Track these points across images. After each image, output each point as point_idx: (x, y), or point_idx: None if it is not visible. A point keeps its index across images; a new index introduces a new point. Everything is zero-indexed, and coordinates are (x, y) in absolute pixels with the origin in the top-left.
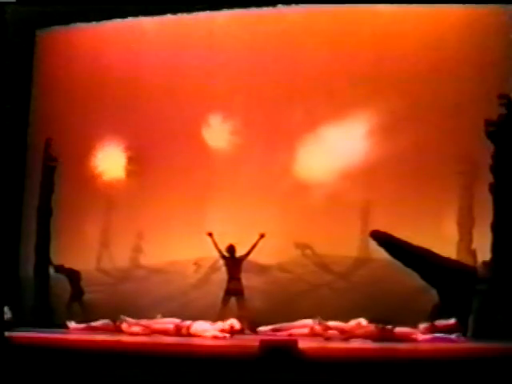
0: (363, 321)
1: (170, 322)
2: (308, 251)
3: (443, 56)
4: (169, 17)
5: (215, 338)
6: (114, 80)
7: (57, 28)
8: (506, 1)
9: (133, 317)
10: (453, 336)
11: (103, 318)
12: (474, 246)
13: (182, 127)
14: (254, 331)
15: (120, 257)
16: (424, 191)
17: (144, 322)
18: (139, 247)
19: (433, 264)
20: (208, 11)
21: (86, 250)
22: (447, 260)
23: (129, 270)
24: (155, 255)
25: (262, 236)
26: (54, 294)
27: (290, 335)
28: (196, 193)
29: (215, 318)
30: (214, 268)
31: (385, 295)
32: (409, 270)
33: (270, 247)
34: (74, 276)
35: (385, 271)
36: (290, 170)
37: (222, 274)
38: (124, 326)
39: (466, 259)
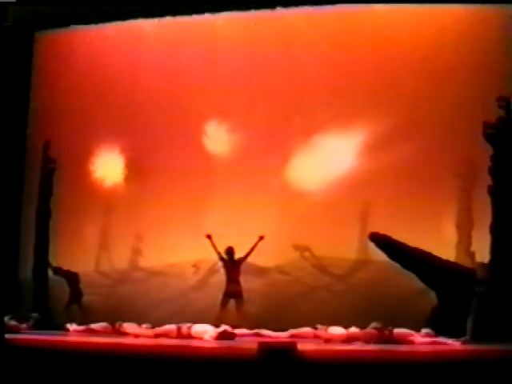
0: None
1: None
2: (307, 253)
3: (442, 58)
4: (168, 19)
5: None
6: (113, 82)
7: (56, 30)
8: (507, 1)
9: (131, 319)
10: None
11: (102, 320)
12: (473, 248)
13: (181, 130)
14: (253, 334)
15: (119, 259)
16: (423, 193)
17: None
18: (138, 249)
19: (432, 266)
20: (207, 13)
21: (84, 252)
22: (446, 262)
23: (127, 272)
24: (154, 257)
25: (260, 238)
26: (52, 296)
27: (291, 337)
28: (195, 195)
29: (214, 321)
30: (212, 270)
31: (384, 297)
32: (408, 272)
33: (269, 249)
34: (72, 278)
35: (384, 273)
36: (289, 172)
37: (221, 277)
38: (125, 328)
39: (465, 261)
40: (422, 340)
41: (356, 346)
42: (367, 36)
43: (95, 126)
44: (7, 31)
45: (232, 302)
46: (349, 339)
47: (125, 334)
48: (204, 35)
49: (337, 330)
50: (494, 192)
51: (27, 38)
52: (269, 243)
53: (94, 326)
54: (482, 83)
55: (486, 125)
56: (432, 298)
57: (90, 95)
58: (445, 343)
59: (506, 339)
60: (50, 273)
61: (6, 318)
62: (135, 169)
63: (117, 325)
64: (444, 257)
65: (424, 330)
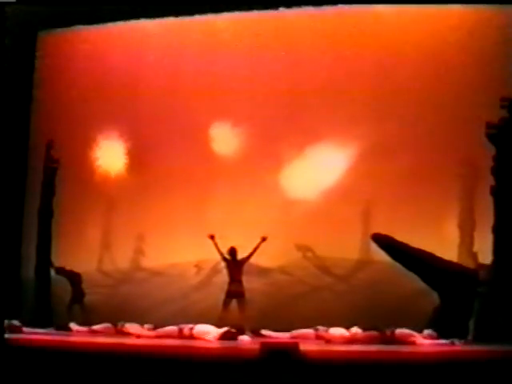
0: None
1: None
2: (309, 254)
3: (444, 58)
4: (170, 19)
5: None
6: (116, 82)
7: (58, 30)
8: (509, 1)
9: (133, 319)
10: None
11: (104, 320)
12: (475, 248)
13: (184, 131)
14: (255, 334)
15: (121, 259)
16: (425, 194)
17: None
18: (140, 249)
19: (434, 267)
20: (209, 14)
21: (87, 252)
22: (448, 263)
23: (130, 272)
24: (156, 257)
25: (263, 239)
26: (54, 296)
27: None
28: (197, 195)
29: (216, 321)
30: (215, 270)
31: (386, 298)
32: (410, 273)
33: (271, 249)
34: (74, 278)
35: (386, 274)
36: (291, 173)
37: (223, 277)
38: (127, 328)
39: (467, 262)
40: (423, 341)
41: (358, 347)
42: (369, 36)
43: (98, 125)
44: (10, 31)
45: (234, 302)
46: (350, 341)
47: (127, 335)
48: (206, 35)
49: (338, 331)
50: (496, 192)
51: (30, 38)
52: (271, 243)
53: (96, 326)
54: (485, 84)
55: (489, 125)
56: (434, 298)
57: (93, 95)
58: (446, 345)
59: (508, 340)
60: (53, 273)
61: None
62: (138, 169)
63: (119, 325)
64: (446, 257)
65: (426, 331)
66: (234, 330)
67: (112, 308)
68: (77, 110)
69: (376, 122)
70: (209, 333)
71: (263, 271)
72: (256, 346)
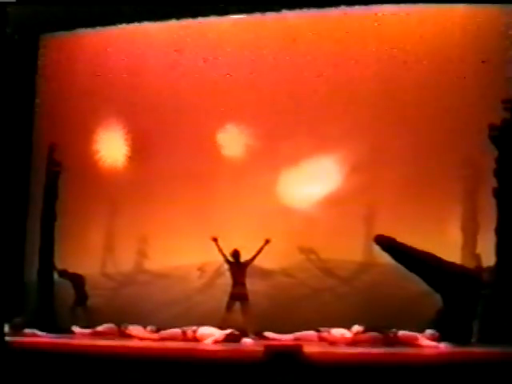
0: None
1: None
2: (312, 256)
3: (446, 59)
4: (173, 22)
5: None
6: (119, 85)
7: (61, 33)
8: (511, 1)
9: (136, 321)
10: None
11: (107, 322)
12: (478, 250)
13: (187, 133)
14: (258, 336)
15: (124, 261)
16: (428, 196)
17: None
18: (143, 252)
19: (437, 269)
20: (212, 17)
21: (90, 255)
22: (451, 265)
23: (133, 274)
24: (159, 260)
25: (267, 241)
26: (58, 299)
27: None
28: (200, 198)
29: (219, 323)
30: (218, 273)
31: (388, 300)
32: (412, 275)
33: (274, 252)
34: (78, 281)
35: (388, 276)
36: (294, 175)
37: (226, 279)
38: (130, 331)
39: (470, 264)
40: (426, 342)
41: (361, 349)
42: (371, 38)
43: (100, 128)
44: (13, 34)
45: (237, 304)
46: (353, 342)
47: (130, 337)
48: (208, 38)
49: (339, 331)
50: (498, 194)
51: (32, 41)
52: (274, 246)
53: (100, 328)
54: (488, 86)
55: (491, 127)
56: (437, 300)
57: (96, 98)
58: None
59: (511, 342)
60: (56, 275)
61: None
62: (141, 171)
63: (122, 327)
64: (449, 259)
65: (428, 331)
66: (237, 332)
67: (115, 310)
68: (80, 113)
69: (378, 124)
70: (212, 335)
71: (266, 273)
72: (260, 349)
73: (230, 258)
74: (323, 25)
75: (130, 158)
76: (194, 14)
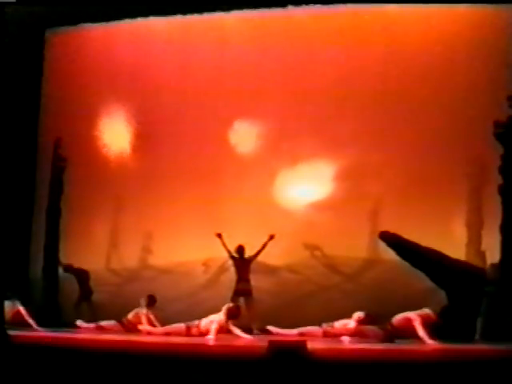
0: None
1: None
2: (317, 252)
3: (452, 57)
4: (178, 17)
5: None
6: (124, 80)
7: (66, 28)
8: None
9: None
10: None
11: (112, 317)
12: (483, 247)
13: (192, 130)
14: (262, 332)
15: (129, 257)
16: (433, 193)
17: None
18: (148, 248)
19: (442, 265)
20: (218, 12)
21: (94, 250)
22: (456, 261)
23: (137, 270)
24: (164, 256)
25: (271, 237)
26: (62, 294)
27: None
28: (205, 194)
29: None
30: (222, 269)
31: (393, 296)
32: (417, 272)
33: (279, 248)
34: (82, 276)
35: (394, 272)
36: (299, 171)
37: (231, 275)
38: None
39: (475, 261)
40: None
41: (365, 345)
42: (377, 36)
43: (106, 124)
44: (18, 30)
45: (242, 300)
46: (355, 333)
47: (136, 332)
48: (214, 33)
49: (342, 322)
50: (504, 191)
51: (38, 36)
52: (279, 242)
53: (103, 323)
54: (493, 83)
55: (497, 124)
56: (442, 297)
57: (101, 93)
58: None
59: None
60: (60, 270)
61: None
62: (146, 167)
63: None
64: (454, 256)
65: (424, 310)
66: (238, 306)
67: (120, 306)
68: (85, 108)
69: (384, 122)
70: (213, 321)
71: (271, 270)
72: (264, 344)
73: (235, 254)
74: (329, 22)
75: (135, 153)
76: (200, 10)
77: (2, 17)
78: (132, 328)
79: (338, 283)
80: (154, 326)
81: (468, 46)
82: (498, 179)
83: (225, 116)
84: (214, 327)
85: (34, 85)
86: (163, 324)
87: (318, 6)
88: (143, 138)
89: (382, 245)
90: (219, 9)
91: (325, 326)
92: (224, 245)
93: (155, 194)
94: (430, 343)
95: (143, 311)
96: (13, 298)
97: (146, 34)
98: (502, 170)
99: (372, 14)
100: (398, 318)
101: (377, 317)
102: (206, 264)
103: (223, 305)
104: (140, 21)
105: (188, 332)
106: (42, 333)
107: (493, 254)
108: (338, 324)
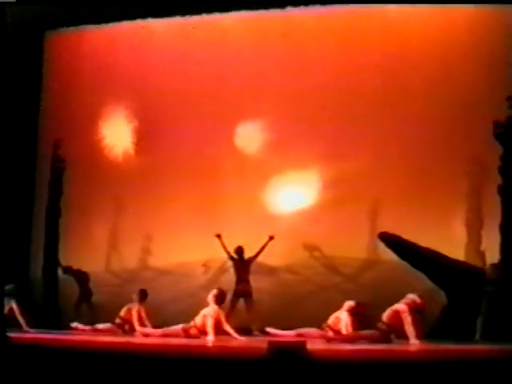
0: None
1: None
2: (316, 253)
3: (452, 58)
4: (177, 18)
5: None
6: (123, 82)
7: (66, 29)
8: None
9: None
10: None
11: (111, 319)
12: (483, 247)
13: (192, 130)
14: (262, 333)
15: (128, 258)
16: (432, 193)
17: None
18: (148, 249)
19: (441, 265)
20: (216, 13)
21: (94, 252)
22: (456, 262)
23: (137, 271)
24: (163, 257)
25: (271, 238)
26: (62, 295)
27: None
28: (205, 195)
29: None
30: (222, 269)
31: (393, 297)
32: (417, 272)
33: (279, 249)
34: (82, 277)
35: (393, 273)
36: (298, 171)
37: (231, 276)
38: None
39: (475, 261)
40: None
41: (364, 346)
42: (376, 36)
43: (105, 125)
44: (17, 31)
45: (241, 301)
46: (352, 339)
47: (130, 329)
48: (212, 34)
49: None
50: (503, 191)
51: (37, 38)
52: (278, 243)
53: (100, 325)
54: (492, 83)
55: (496, 124)
56: (441, 297)
57: (100, 94)
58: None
59: None
60: (60, 272)
61: None
62: (145, 168)
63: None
64: (453, 256)
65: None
66: (221, 289)
67: (119, 307)
68: (84, 109)
69: (384, 122)
70: (206, 315)
71: (271, 270)
72: (263, 345)
73: (234, 255)
74: (328, 23)
75: (134, 154)
76: (199, 11)
77: (2, 17)
78: (124, 324)
79: (338, 283)
80: (144, 323)
81: (467, 46)
82: (497, 179)
83: (223, 117)
84: (209, 324)
85: (34, 86)
86: (163, 325)
87: (317, 6)
88: (142, 139)
89: (382, 245)
90: (218, 10)
91: (324, 326)
92: (223, 246)
93: (155, 195)
94: (415, 343)
95: (135, 307)
96: (9, 294)
97: (145, 35)
98: (502, 170)
99: (371, 14)
100: (387, 315)
101: (367, 304)
102: (205, 265)
103: (223, 306)
104: (139, 22)
105: (187, 334)
106: (33, 334)
107: (492, 253)
108: (331, 320)
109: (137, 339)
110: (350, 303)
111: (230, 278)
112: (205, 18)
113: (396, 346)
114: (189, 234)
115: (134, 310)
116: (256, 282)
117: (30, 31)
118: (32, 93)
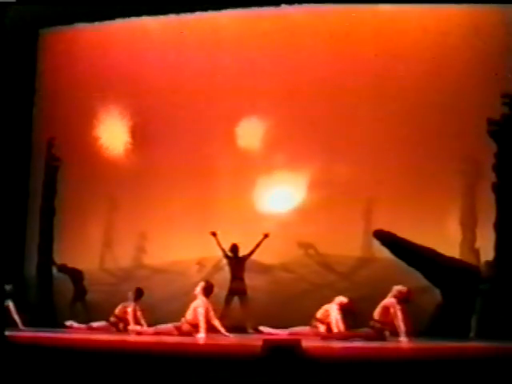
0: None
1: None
2: (311, 251)
3: (445, 56)
4: (172, 16)
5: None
6: (118, 80)
7: (60, 28)
8: (509, 1)
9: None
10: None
11: (106, 317)
12: (477, 245)
13: (186, 129)
14: (256, 330)
15: (123, 257)
16: (427, 191)
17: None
18: (142, 247)
19: (436, 263)
20: (210, 11)
21: (88, 250)
22: (450, 259)
23: (131, 269)
24: (158, 255)
25: (265, 236)
26: (57, 294)
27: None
28: (199, 193)
29: (218, 318)
30: (217, 268)
31: (387, 295)
32: (412, 270)
33: (274, 247)
34: (76, 276)
35: (388, 271)
36: (292, 169)
37: (225, 274)
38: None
39: (469, 258)
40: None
41: (359, 344)
42: (370, 34)
43: (99, 123)
44: (12, 29)
45: (236, 299)
46: (347, 337)
47: (124, 327)
48: (207, 32)
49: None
50: (498, 189)
51: (32, 36)
52: (273, 241)
53: (95, 323)
54: (487, 81)
55: (490, 122)
56: (436, 295)
57: (95, 93)
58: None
59: (510, 337)
60: (55, 270)
61: None
62: (140, 167)
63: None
64: (448, 254)
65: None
66: (209, 281)
67: (114, 305)
68: (79, 108)
69: (377, 120)
70: (196, 308)
71: (265, 268)
72: (258, 343)
73: (229, 253)
74: (323, 20)
75: (129, 153)
76: (193, 9)
77: (3, 16)
78: (119, 323)
79: (333, 282)
80: (139, 322)
81: (461, 45)
82: (491, 177)
83: (218, 115)
84: (201, 313)
85: (28, 84)
86: (157, 323)
87: (312, 4)
88: (137, 138)
89: (376, 243)
90: (213, 8)
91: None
92: (218, 243)
93: (149, 194)
94: (404, 340)
95: (130, 305)
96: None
97: (139, 34)
98: (496, 168)
99: (365, 13)
100: (377, 312)
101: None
102: (200, 263)
103: (217, 304)
104: (133, 20)
105: (179, 331)
106: (28, 332)
107: (487, 251)
108: (320, 313)
109: (131, 337)
110: (341, 298)
111: (224, 276)
112: (199, 16)
113: (391, 344)
114: (183, 233)
115: (130, 308)
116: (251, 280)
117: (24, 29)
118: (26, 91)
